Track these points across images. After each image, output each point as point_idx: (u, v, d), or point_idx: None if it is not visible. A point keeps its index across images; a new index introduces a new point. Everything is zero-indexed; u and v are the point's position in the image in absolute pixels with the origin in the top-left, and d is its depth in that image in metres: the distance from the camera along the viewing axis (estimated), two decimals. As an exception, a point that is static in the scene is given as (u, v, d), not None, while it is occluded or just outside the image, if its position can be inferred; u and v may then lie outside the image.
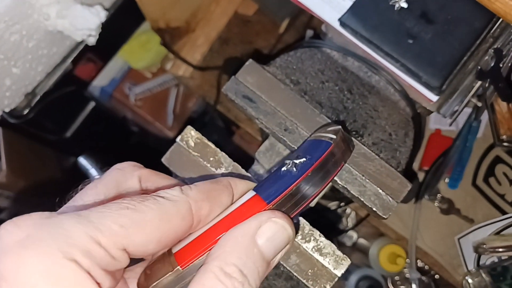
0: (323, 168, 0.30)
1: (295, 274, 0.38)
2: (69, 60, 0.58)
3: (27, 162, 0.88)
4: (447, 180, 0.66)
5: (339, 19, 0.48)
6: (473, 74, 0.48)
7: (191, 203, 0.25)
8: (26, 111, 0.58)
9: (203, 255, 0.25)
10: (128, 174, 0.28)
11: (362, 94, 0.45)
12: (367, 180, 0.40)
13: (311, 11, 0.50)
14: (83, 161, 0.65)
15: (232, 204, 0.28)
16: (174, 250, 0.26)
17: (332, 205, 0.66)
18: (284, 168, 0.30)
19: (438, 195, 0.66)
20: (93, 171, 0.71)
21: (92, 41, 0.52)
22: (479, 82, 0.49)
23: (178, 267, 0.25)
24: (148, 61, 0.92)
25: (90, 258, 0.21)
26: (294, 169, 0.29)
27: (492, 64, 0.48)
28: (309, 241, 0.39)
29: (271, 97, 0.42)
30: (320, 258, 0.38)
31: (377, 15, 0.47)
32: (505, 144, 0.63)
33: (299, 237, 0.39)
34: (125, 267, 0.24)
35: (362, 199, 0.39)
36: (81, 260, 0.21)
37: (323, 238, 0.39)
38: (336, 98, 0.44)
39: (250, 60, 0.43)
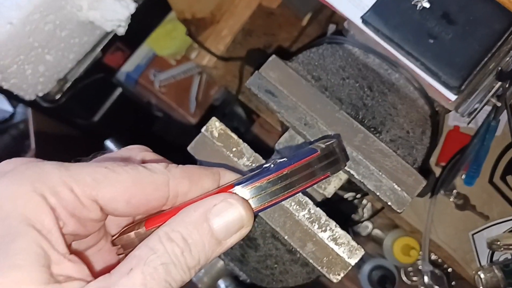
0: (300, 171, 0.30)
1: (310, 261, 0.40)
2: (99, 49, 0.60)
3: (55, 143, 0.92)
4: (463, 176, 0.67)
5: (362, 17, 0.49)
6: (493, 74, 0.49)
7: (170, 177, 0.26)
8: (58, 96, 0.61)
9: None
10: (133, 153, 0.29)
11: (382, 92, 0.47)
12: (383, 176, 0.41)
13: (334, 8, 0.51)
14: (109, 144, 0.68)
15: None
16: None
17: (349, 196, 0.68)
18: (265, 165, 0.30)
19: (454, 190, 0.67)
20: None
21: (121, 31, 0.54)
22: (499, 83, 0.50)
23: (143, 227, 0.26)
24: (173, 49, 0.94)
25: (58, 198, 0.23)
26: (272, 165, 0.30)
27: (513, 65, 0.48)
28: (325, 231, 0.41)
29: (292, 92, 0.43)
30: (335, 247, 0.40)
31: (399, 14, 0.48)
32: None
33: (316, 226, 0.41)
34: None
35: (378, 194, 0.41)
36: (48, 197, 0.23)
37: (338, 229, 0.41)
38: (356, 95, 0.45)
39: (273, 56, 0.44)
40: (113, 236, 0.29)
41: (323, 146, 0.31)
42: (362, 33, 0.50)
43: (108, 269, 0.23)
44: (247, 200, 0.27)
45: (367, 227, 0.81)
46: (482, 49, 0.46)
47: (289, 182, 0.28)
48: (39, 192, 0.23)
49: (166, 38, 0.94)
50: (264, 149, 0.51)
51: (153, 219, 0.26)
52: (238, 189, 0.27)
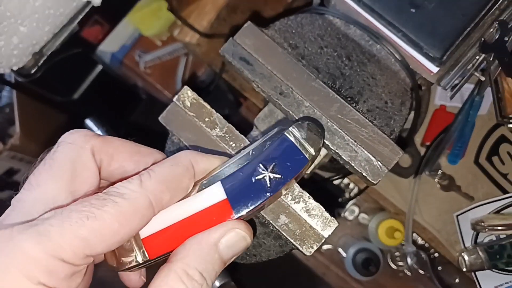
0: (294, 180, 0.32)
1: (283, 233, 0.39)
2: (76, 22, 0.59)
3: (39, 125, 0.90)
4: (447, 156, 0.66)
5: (343, -15, 0.48)
6: (476, 46, 0.48)
7: (151, 197, 0.26)
8: (33, 70, 0.59)
9: (171, 251, 0.28)
10: (80, 149, 0.28)
11: (361, 62, 0.45)
12: (359, 146, 0.40)
13: (315, -23, 0.50)
14: (89, 123, 0.67)
15: (198, 191, 0.30)
16: (142, 235, 0.28)
17: (331, 176, 0.67)
18: (258, 177, 0.31)
19: (439, 171, 0.66)
20: (100, 133, 0.73)
21: (97, 1, 0.53)
22: (483, 56, 0.48)
23: (148, 256, 0.28)
24: (159, 29, 0.92)
25: (54, 276, 0.23)
26: (268, 184, 0.30)
27: (497, 37, 0.47)
28: (298, 202, 0.39)
29: (268, 60, 0.42)
30: (309, 219, 0.39)
31: (381, -17, 0.46)
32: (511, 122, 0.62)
33: (289, 197, 0.39)
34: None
35: (352, 164, 0.40)
36: (45, 281, 0.22)
37: (311, 200, 0.39)
38: (333, 64, 0.44)
39: (249, 22, 0.43)
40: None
41: (312, 151, 0.33)
42: (343, 3, 0.49)
43: None
44: (247, 223, 0.29)
45: (353, 211, 0.80)
46: (465, 18, 0.45)
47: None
48: (35, 281, 0.22)
49: (152, 18, 0.92)
50: (250, 131, 0.49)
51: (150, 241, 0.27)
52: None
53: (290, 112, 0.41)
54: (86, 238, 0.23)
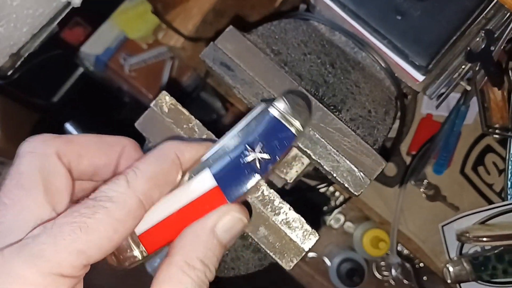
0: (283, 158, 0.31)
1: (262, 246, 0.38)
2: (56, 22, 0.57)
3: (20, 128, 0.88)
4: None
5: (328, -9, 0.47)
6: (462, 55, 0.47)
7: (141, 197, 0.26)
8: (10, 72, 0.57)
9: (168, 243, 0.28)
10: (44, 156, 0.27)
11: (345, 69, 0.44)
12: (341, 156, 0.39)
13: (301, -19, 0.49)
14: (69, 127, 0.65)
15: (188, 180, 0.29)
16: (138, 232, 0.28)
17: (316, 184, 0.65)
18: (247, 159, 0.30)
19: (424, 181, 0.65)
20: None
21: (77, 2, 0.51)
22: (469, 65, 0.48)
23: (146, 253, 0.27)
24: (145, 32, 0.91)
25: None
26: (258, 165, 0.30)
27: (483, 46, 0.46)
28: (278, 214, 0.38)
29: (249, 66, 0.40)
30: (289, 232, 0.38)
31: (366, -11, 0.46)
32: (497, 132, 0.62)
33: (269, 209, 0.38)
34: None
35: (334, 175, 0.39)
36: None
37: (292, 212, 0.38)
38: (317, 71, 0.43)
39: (231, 26, 0.42)
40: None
41: (299, 126, 0.31)
42: (328, 9, 0.48)
43: None
44: (242, 204, 0.29)
45: (339, 219, 0.79)
46: (451, 27, 0.44)
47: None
48: None
49: (138, 20, 0.90)
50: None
51: (147, 236, 0.27)
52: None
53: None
54: (82, 250, 0.23)
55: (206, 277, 0.26)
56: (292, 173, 0.48)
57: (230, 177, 0.29)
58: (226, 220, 0.28)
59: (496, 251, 0.63)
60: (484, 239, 0.63)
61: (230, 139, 0.31)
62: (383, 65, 0.46)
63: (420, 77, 0.45)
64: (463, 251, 0.65)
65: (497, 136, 0.64)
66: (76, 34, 0.70)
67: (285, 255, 0.38)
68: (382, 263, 0.76)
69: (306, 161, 0.48)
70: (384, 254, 0.72)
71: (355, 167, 0.39)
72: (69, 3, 0.55)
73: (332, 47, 0.46)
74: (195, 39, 0.71)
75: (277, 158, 0.30)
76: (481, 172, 0.66)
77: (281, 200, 0.38)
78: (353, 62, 0.46)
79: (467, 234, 0.62)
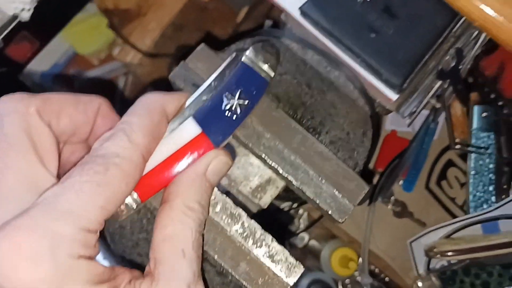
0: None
1: (244, 283, 0.35)
2: (0, 37, 0.51)
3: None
4: (401, 182, 0.65)
5: (300, 8, 0.45)
6: (433, 73, 0.47)
7: (143, 151, 0.27)
8: None
9: (160, 190, 0.30)
10: (26, 115, 0.27)
11: (321, 90, 0.43)
12: (323, 181, 0.37)
13: (271, -2, 0.47)
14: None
15: (173, 129, 0.30)
16: None
17: (285, 206, 0.63)
18: (226, 105, 0.32)
19: (392, 197, 0.65)
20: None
21: (25, 16, 0.46)
22: (439, 83, 0.48)
23: (140, 201, 0.29)
24: (97, 47, 0.85)
25: (88, 246, 0.24)
26: (239, 110, 0.32)
27: (453, 64, 0.47)
28: (260, 247, 0.35)
29: (223, 87, 0.38)
30: (272, 265, 0.35)
31: (339, 6, 0.45)
32: (458, 147, 0.63)
33: (250, 242, 0.35)
34: None
35: (317, 202, 0.37)
36: (83, 253, 0.24)
37: (275, 243, 0.35)
38: (293, 92, 0.41)
39: (202, 44, 0.39)
40: None
41: (272, 73, 0.33)
42: (300, 26, 0.46)
43: None
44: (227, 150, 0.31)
45: (303, 238, 0.77)
46: (424, 45, 0.44)
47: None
48: (76, 256, 0.24)
49: (89, 34, 0.85)
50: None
51: (140, 185, 0.28)
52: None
53: (250, 145, 0.37)
54: (103, 205, 0.24)
55: (204, 216, 0.29)
56: (266, 198, 0.46)
57: (214, 123, 0.31)
58: (215, 163, 0.30)
59: (462, 265, 0.64)
60: (449, 253, 0.64)
61: (207, 89, 0.33)
62: (356, 84, 0.45)
63: (394, 96, 0.45)
64: (431, 266, 0.65)
65: (458, 150, 0.66)
66: (23, 50, 0.64)
67: (269, 290, 0.35)
68: (347, 281, 0.75)
69: (280, 184, 0.46)
70: (353, 273, 0.71)
71: (338, 192, 0.37)
72: (15, 17, 0.50)
73: (306, 66, 0.44)
74: (154, 54, 0.68)
75: (255, 103, 0.33)
76: (445, 187, 0.67)
77: (263, 231, 0.36)
78: (327, 82, 0.44)
79: (435, 249, 0.63)
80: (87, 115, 0.29)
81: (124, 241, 0.39)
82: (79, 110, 0.29)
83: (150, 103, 0.29)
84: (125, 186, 0.26)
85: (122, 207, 0.28)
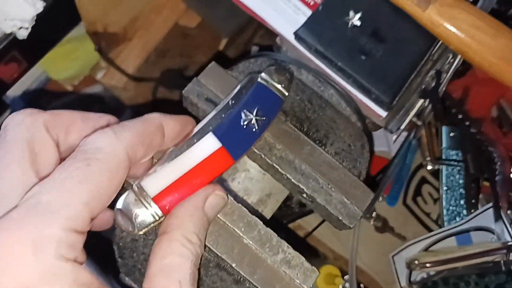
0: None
1: (261, 290, 0.36)
2: (-11, 57, 0.51)
3: None
4: (381, 199, 0.68)
5: (295, 32, 0.48)
6: (417, 93, 0.51)
7: (128, 149, 0.26)
8: None
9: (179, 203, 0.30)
10: (32, 127, 0.27)
11: (320, 106, 0.45)
12: (333, 189, 0.39)
13: (267, 23, 0.50)
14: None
15: (192, 144, 0.31)
16: (152, 195, 0.29)
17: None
18: (245, 121, 0.34)
19: (373, 213, 0.68)
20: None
21: (23, 34, 0.46)
22: (421, 101, 0.52)
23: (161, 213, 0.29)
24: (72, 72, 0.84)
25: (75, 248, 0.23)
26: (256, 126, 0.34)
27: (433, 85, 0.51)
28: (277, 253, 0.36)
29: (235, 102, 0.40)
30: (289, 271, 0.36)
31: (332, 31, 0.48)
32: (440, 162, 0.68)
33: (267, 249, 0.36)
34: None
35: (328, 208, 0.39)
36: (68, 255, 0.23)
37: (291, 250, 0.37)
38: (298, 107, 0.43)
39: (213, 62, 0.41)
40: None
41: (286, 93, 0.36)
42: (294, 49, 0.49)
43: None
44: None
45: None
46: (409, 67, 0.48)
47: None
48: (59, 258, 0.23)
49: (64, 59, 0.84)
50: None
51: (161, 197, 0.29)
52: None
53: (262, 155, 0.38)
54: (87, 202, 0.24)
55: (201, 251, 0.29)
56: (267, 211, 0.47)
57: (233, 137, 0.32)
58: (212, 198, 0.31)
59: (441, 275, 0.67)
60: (428, 265, 0.67)
61: (225, 107, 0.35)
62: (349, 103, 0.48)
63: (383, 113, 0.48)
64: (412, 279, 0.68)
65: (429, 168, 0.70)
66: (11, 71, 0.63)
67: (286, 296, 0.36)
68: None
69: (281, 198, 0.48)
70: (337, 289, 0.72)
71: (347, 199, 0.39)
72: (9, 35, 0.50)
73: (304, 85, 0.47)
74: (139, 79, 0.69)
75: (272, 119, 0.36)
76: (420, 203, 0.71)
77: (278, 238, 0.37)
78: (324, 99, 0.47)
79: (416, 261, 0.66)
80: (95, 131, 0.29)
81: (135, 256, 0.39)
82: (87, 126, 0.29)
83: (149, 116, 0.30)
84: (108, 182, 0.25)
85: (140, 218, 0.29)
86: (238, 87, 0.37)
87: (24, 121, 0.27)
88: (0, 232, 0.22)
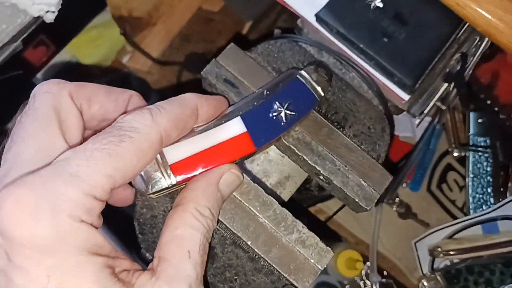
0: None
1: (276, 267, 0.36)
2: (19, 40, 0.52)
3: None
4: (404, 185, 0.68)
5: (316, 14, 0.48)
6: (440, 76, 0.50)
7: (162, 133, 0.27)
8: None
9: (194, 176, 0.31)
10: (58, 96, 0.28)
11: (341, 88, 0.45)
12: (350, 171, 0.39)
13: (288, 5, 0.49)
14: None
15: (219, 124, 0.32)
16: (170, 162, 0.30)
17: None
18: (274, 113, 0.34)
19: (396, 199, 0.67)
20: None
21: (50, 17, 0.48)
22: (445, 85, 0.51)
23: (175, 181, 0.30)
24: (100, 56, 0.87)
25: (92, 213, 0.24)
26: (284, 120, 0.34)
27: (458, 69, 0.50)
28: (292, 233, 0.37)
29: (253, 83, 0.40)
30: (303, 251, 0.37)
31: (353, 13, 0.47)
32: (465, 149, 0.66)
33: (282, 228, 0.37)
34: None
35: (345, 190, 0.39)
36: (86, 218, 0.24)
37: (306, 230, 0.37)
38: (316, 89, 0.43)
39: (232, 44, 0.41)
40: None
41: (322, 93, 0.37)
42: (316, 31, 0.49)
43: None
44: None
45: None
46: (432, 50, 0.47)
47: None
48: (77, 219, 0.24)
49: (91, 44, 0.86)
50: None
51: (178, 167, 0.30)
52: None
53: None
54: (111, 174, 0.25)
55: (213, 225, 0.30)
56: (285, 193, 0.47)
57: (259, 126, 0.33)
58: (228, 176, 0.31)
59: (465, 264, 0.66)
60: (452, 252, 0.66)
61: (259, 95, 0.35)
62: (370, 85, 0.48)
63: (406, 96, 0.47)
64: (435, 266, 0.67)
65: (456, 154, 0.69)
66: (40, 54, 0.65)
67: (300, 275, 0.37)
68: (346, 281, 0.76)
69: (299, 180, 0.48)
70: (358, 274, 0.72)
71: (364, 181, 0.39)
72: (37, 19, 0.51)
73: (324, 67, 0.47)
74: (163, 62, 0.70)
75: (302, 116, 0.35)
76: (445, 189, 0.70)
77: (293, 218, 0.37)
78: (345, 82, 0.47)
79: (439, 249, 0.65)
80: (117, 103, 0.31)
81: (155, 232, 0.40)
82: (110, 98, 0.31)
83: (185, 98, 0.30)
84: (136, 161, 0.26)
85: (155, 184, 0.29)
86: (276, 80, 0.37)
87: (51, 90, 0.28)
88: (22, 187, 0.23)
